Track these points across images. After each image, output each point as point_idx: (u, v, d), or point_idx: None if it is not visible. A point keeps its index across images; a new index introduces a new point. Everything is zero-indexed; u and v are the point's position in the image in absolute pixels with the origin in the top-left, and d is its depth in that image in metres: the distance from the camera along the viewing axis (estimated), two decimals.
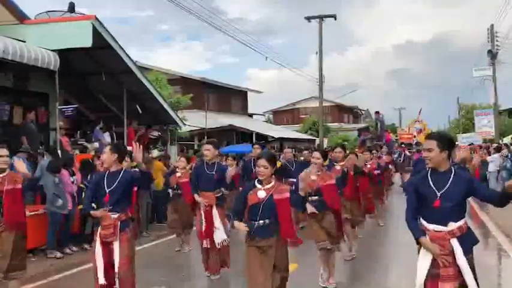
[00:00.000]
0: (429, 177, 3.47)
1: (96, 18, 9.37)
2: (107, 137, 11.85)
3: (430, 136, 3.57)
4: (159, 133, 14.55)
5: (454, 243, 3.35)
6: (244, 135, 24.91)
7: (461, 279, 3.34)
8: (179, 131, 15.98)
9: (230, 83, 31.03)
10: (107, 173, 4.54)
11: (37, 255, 7.38)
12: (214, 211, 6.08)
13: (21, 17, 9.96)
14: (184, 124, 15.29)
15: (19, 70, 9.22)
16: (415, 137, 24.93)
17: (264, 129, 27.50)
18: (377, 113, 21.76)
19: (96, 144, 11.13)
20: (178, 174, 7.71)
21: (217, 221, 6.03)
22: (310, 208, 5.41)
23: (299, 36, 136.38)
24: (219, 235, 6.02)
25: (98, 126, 11.94)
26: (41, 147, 9.68)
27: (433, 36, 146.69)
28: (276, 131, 29.18)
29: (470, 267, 3.35)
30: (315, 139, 29.75)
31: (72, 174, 8.00)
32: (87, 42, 9.05)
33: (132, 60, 11.16)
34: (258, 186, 4.16)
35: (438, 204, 3.36)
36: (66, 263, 7.11)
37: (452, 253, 3.35)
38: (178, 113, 15.03)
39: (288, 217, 4.18)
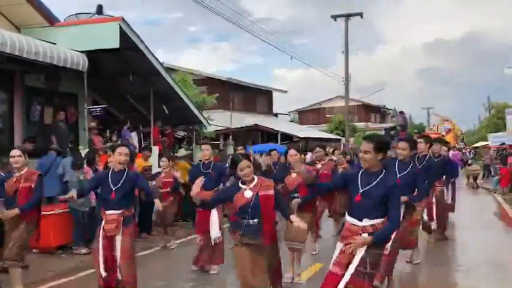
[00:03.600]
0: (360, 174, 3.77)
1: (123, 20, 9.53)
2: (134, 137, 12.04)
3: (368, 139, 3.80)
4: (185, 133, 14.70)
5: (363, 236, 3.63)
6: (270, 135, 24.91)
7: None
8: (204, 130, 16.10)
9: (256, 83, 31.07)
10: (110, 171, 4.79)
11: (66, 252, 7.56)
12: (213, 209, 6.19)
13: (52, 20, 10.22)
14: (210, 124, 15.40)
15: (50, 71, 9.46)
16: (443, 136, 24.47)
17: (289, 129, 27.43)
18: (401, 112, 21.44)
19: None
20: (162, 175, 8.14)
21: (213, 218, 6.15)
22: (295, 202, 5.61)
23: (326, 36, 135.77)
24: (215, 232, 6.17)
25: (125, 126, 12.14)
26: (70, 146, 9.91)
27: (463, 34, 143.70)
28: (302, 131, 29.06)
29: (371, 262, 3.59)
30: (340, 139, 29.51)
31: (95, 171, 8.15)
32: (114, 43, 9.22)
33: (158, 61, 11.30)
34: (243, 186, 4.18)
35: (359, 199, 3.68)
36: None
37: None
38: (203, 113, 15.16)
39: (271, 215, 4.25)
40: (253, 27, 59.91)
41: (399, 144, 5.63)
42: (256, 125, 24.53)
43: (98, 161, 8.34)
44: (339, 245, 3.78)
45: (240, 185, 4.22)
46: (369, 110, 47.43)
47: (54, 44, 9.12)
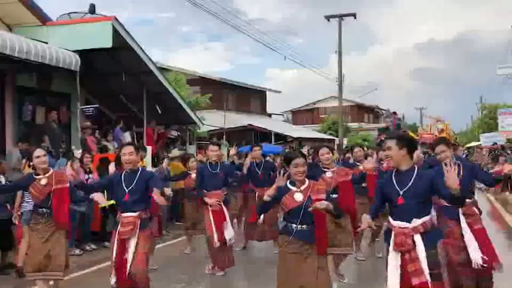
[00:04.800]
0: (393, 176, 3.66)
1: (116, 19, 9.49)
2: (127, 137, 12.00)
3: (389, 137, 3.81)
4: (178, 133, 14.66)
5: (417, 238, 3.49)
6: (263, 135, 24.90)
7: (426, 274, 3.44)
8: (198, 130, 16.07)
9: (250, 83, 31.07)
10: (123, 172, 4.59)
11: None
12: (224, 209, 6.28)
13: (44, 19, 10.15)
14: (203, 124, 15.37)
15: (42, 71, 9.40)
16: (436, 136, 24.60)
17: (283, 129, 27.45)
18: (394, 113, 21.53)
19: (115, 144, 11.26)
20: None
21: (227, 218, 6.23)
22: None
23: (319, 36, 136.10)
24: (229, 232, 6.18)
25: (118, 126, 12.09)
26: (62, 146, 9.86)
27: (456, 34, 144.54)
28: (295, 131, 29.09)
29: (434, 261, 3.47)
30: (334, 139, 29.55)
31: (89, 172, 8.10)
32: (107, 42, 9.18)
33: (151, 60, 11.27)
34: (293, 188, 3.90)
35: (401, 201, 3.54)
36: (89, 260, 7.22)
37: (415, 249, 3.48)
38: (197, 113, 15.12)
39: (324, 221, 3.93)
40: (247, 27, 59.87)
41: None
42: (250, 125, 24.52)
43: (89, 161, 8.25)
44: (394, 255, 3.55)
45: (289, 186, 3.93)
46: (362, 111, 47.55)
47: (46, 43, 9.06)
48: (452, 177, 3.34)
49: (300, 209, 3.82)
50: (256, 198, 7.27)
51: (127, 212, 4.49)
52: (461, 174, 4.48)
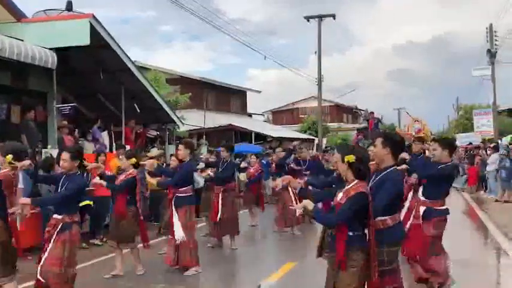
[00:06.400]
0: (375, 174, 3.72)
1: (94, 17, 9.34)
2: (105, 136, 11.83)
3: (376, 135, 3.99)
4: (158, 132, 14.53)
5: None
6: (244, 135, 24.89)
7: None
8: (178, 130, 15.95)
9: (231, 83, 31.01)
10: (65, 175, 4.74)
11: (35, 255, 7.34)
12: (173, 209, 6.44)
13: (18, 16, 9.93)
14: (183, 123, 15.26)
15: (17, 69, 9.19)
16: (413, 136, 24.95)
17: (263, 129, 27.48)
18: (372, 113, 21.76)
19: (94, 144, 11.11)
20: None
21: (175, 219, 6.38)
22: None
23: (300, 37, 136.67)
24: (178, 233, 6.33)
25: (96, 125, 11.91)
26: (39, 145, 9.66)
27: (433, 36, 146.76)
28: (275, 131, 29.16)
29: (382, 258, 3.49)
30: (314, 139, 29.73)
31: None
32: (84, 40, 9.02)
33: (130, 58, 11.13)
34: (344, 187, 3.52)
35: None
36: None
37: None
38: (177, 112, 15.01)
39: (344, 230, 3.36)
40: (228, 27, 59.76)
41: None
42: (230, 124, 24.48)
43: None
44: None
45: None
46: (341, 111, 47.98)
47: (22, 40, 8.86)
48: None
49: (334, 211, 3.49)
50: (214, 196, 7.93)
51: (55, 213, 4.64)
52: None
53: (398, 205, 3.84)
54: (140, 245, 6.56)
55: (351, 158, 3.40)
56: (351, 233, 3.33)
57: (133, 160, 6.27)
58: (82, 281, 5.07)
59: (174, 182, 6.50)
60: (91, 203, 8.19)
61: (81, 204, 8.31)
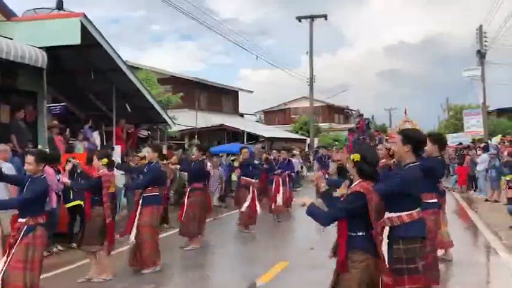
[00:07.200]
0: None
1: (85, 16, 9.28)
2: (96, 136, 11.76)
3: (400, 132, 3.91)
4: (149, 132, 14.48)
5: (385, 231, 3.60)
6: (236, 135, 24.88)
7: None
8: (169, 130, 15.91)
9: (222, 83, 30.98)
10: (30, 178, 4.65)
11: None
12: (139, 208, 6.54)
13: (8, 14, 9.84)
14: (175, 123, 15.22)
15: (7, 68, 9.10)
16: None
17: (255, 129, 27.50)
18: (361, 115, 21.80)
19: (86, 144, 11.04)
20: None
21: (136, 219, 6.51)
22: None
23: (292, 37, 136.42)
24: (133, 234, 6.45)
25: (87, 125, 11.84)
26: (29, 145, 9.57)
27: (424, 37, 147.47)
28: (267, 131, 29.19)
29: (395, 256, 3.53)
30: (305, 139, 29.80)
31: (58, 172, 7.91)
32: (75, 39, 8.95)
33: (121, 58, 11.07)
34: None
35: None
36: (56, 262, 7.05)
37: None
38: (168, 112, 14.96)
39: (343, 229, 3.34)
40: (220, 27, 59.72)
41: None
42: (222, 124, 24.46)
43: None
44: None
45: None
46: (332, 111, 48.13)
47: (11, 39, 8.77)
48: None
49: None
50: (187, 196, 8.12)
51: (19, 217, 4.57)
52: None
53: (416, 201, 3.73)
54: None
55: (357, 157, 3.41)
56: (352, 234, 3.31)
57: (105, 160, 6.17)
58: (72, 282, 5.02)
59: (144, 184, 6.65)
60: (82, 203, 8.12)
61: (71, 205, 8.31)
